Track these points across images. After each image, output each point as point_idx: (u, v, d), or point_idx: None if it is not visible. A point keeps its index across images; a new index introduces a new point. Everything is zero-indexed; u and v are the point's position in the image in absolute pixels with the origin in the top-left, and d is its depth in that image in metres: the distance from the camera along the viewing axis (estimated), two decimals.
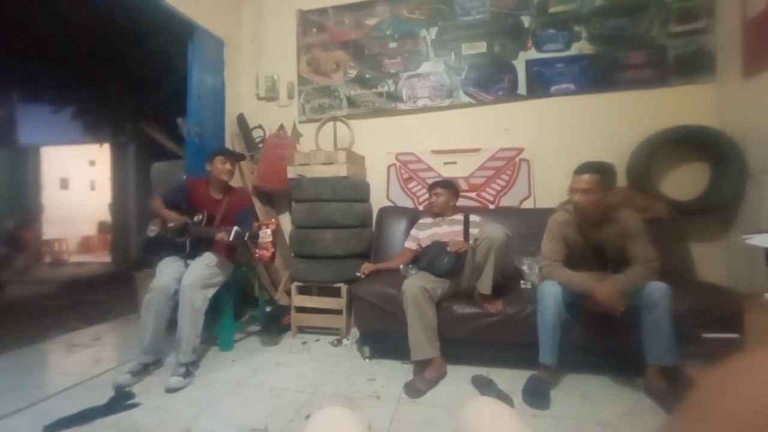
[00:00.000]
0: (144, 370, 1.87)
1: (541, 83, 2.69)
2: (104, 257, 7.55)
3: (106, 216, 7.43)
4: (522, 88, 2.72)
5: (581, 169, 1.69)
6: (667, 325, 1.55)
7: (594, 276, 1.70)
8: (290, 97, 3.17)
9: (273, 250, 1.88)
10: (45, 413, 1.52)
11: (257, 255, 1.90)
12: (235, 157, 2.27)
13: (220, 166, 2.15)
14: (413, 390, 1.69)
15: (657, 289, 1.58)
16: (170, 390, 1.72)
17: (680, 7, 2.47)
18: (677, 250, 2.19)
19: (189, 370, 1.84)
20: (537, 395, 1.60)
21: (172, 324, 1.90)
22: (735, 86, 2.28)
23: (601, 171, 1.67)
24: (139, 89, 4.21)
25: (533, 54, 2.70)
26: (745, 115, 2.21)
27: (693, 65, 2.45)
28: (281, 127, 3.11)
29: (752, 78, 2.15)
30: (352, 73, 3.02)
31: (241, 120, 3.14)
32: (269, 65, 3.22)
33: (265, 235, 1.87)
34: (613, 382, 1.76)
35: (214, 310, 2.11)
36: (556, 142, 2.63)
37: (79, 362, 2.12)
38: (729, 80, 2.34)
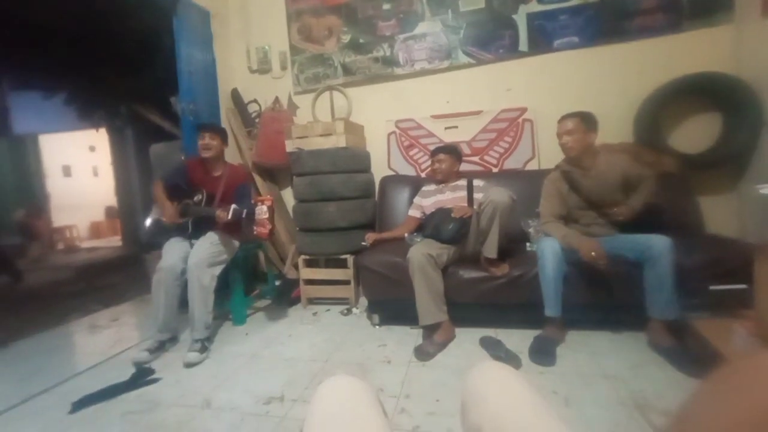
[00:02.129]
0: (161, 347, 1.94)
1: (543, 38, 2.56)
2: (115, 241, 7.68)
3: (112, 201, 7.47)
4: (523, 45, 2.60)
5: (563, 117, 1.85)
6: (669, 279, 1.56)
7: (597, 224, 1.86)
8: (283, 68, 3.07)
9: (270, 226, 1.88)
10: (72, 391, 1.60)
11: (255, 232, 1.90)
12: (209, 130, 2.15)
13: (200, 142, 2.12)
14: (423, 353, 1.73)
15: (659, 243, 1.58)
16: (188, 364, 1.78)
17: None
18: (685, 204, 2.15)
19: (204, 345, 1.90)
20: (543, 353, 1.65)
21: (184, 302, 1.95)
22: (754, 26, 2.15)
23: (581, 114, 1.82)
24: (129, 70, 4.10)
25: (534, 6, 2.56)
26: (764, 57, 2.09)
27: (709, 6, 2.30)
28: (276, 100, 3.03)
29: None
30: (346, 38, 2.90)
31: (236, 95, 3.06)
32: (259, 35, 3.10)
33: (261, 212, 1.87)
34: (618, 337, 1.78)
35: (224, 286, 2.15)
36: (561, 100, 2.53)
37: (100, 342, 2.20)
38: (748, 20, 2.20)
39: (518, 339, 1.81)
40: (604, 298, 1.78)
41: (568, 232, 1.78)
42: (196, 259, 1.92)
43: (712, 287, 1.59)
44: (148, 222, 2.13)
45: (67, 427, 1.39)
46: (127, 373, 1.73)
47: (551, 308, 1.73)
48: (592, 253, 1.62)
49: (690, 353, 1.50)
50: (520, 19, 2.58)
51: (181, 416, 1.40)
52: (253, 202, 1.95)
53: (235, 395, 1.52)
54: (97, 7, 3.21)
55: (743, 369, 0.26)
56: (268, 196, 1.95)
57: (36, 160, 8.28)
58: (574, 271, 1.76)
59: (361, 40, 2.87)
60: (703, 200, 2.23)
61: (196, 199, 2.09)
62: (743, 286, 1.52)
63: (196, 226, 2.07)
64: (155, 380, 1.67)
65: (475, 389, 0.56)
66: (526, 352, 1.69)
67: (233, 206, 1.89)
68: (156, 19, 2.89)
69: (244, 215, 1.90)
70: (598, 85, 2.50)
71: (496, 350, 1.72)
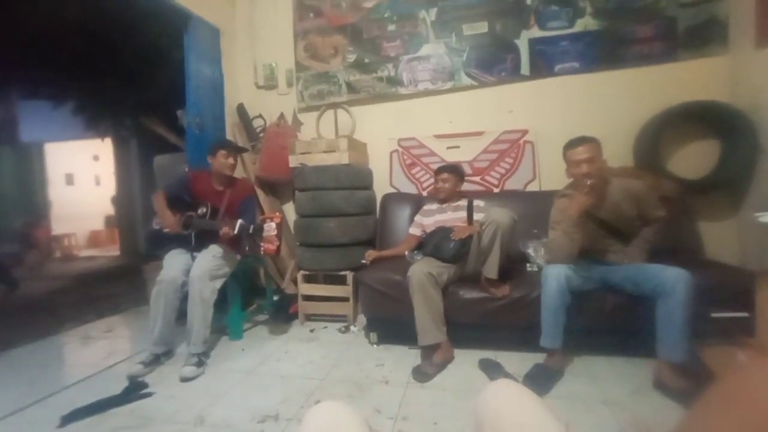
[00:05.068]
0: (155, 360, 1.91)
1: (544, 62, 2.62)
2: (113, 251, 7.64)
3: (112, 210, 7.50)
4: (525, 68, 2.66)
5: (575, 143, 1.69)
6: (680, 317, 1.44)
7: (613, 251, 1.76)
8: (289, 84, 3.13)
9: (278, 243, 1.89)
10: (62, 403, 1.57)
11: (263, 249, 1.91)
12: (237, 151, 2.25)
13: (222, 160, 2.12)
14: (421, 374, 1.71)
15: (673, 276, 1.47)
16: (184, 379, 1.75)
17: None
18: (685, 229, 2.16)
19: (201, 359, 1.88)
20: (536, 382, 1.57)
21: (181, 315, 1.93)
22: (748, 57, 2.20)
23: (594, 139, 1.69)
24: (137, 82, 4.18)
25: (536, 32, 2.63)
26: (758, 87, 2.14)
27: (704, 36, 2.36)
28: (281, 115, 3.08)
29: (766, 48, 2.07)
30: (351, 57, 2.96)
31: (241, 110, 3.11)
32: (266, 53, 3.17)
33: (270, 228, 1.88)
34: (619, 362, 1.76)
35: (222, 300, 2.14)
36: (561, 123, 2.57)
37: (94, 354, 2.17)
38: (742, 51, 2.26)
39: (518, 362, 1.78)
40: (605, 323, 1.76)
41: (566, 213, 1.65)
42: (199, 271, 1.92)
43: (714, 315, 1.57)
44: (149, 232, 2.14)
45: None
46: (119, 386, 1.70)
47: (548, 339, 1.67)
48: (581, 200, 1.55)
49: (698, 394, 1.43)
50: (522, 43, 2.65)
51: None
52: (261, 218, 1.97)
53: (230, 412, 1.49)
54: (111, 22, 3.30)
55: (742, 380, 0.26)
56: (278, 213, 1.97)
57: (40, 167, 8.35)
58: (577, 300, 1.69)
59: (365, 60, 2.94)
60: (703, 225, 2.24)
61: (200, 212, 2.10)
62: (745, 314, 1.51)
63: (198, 239, 2.07)
64: (149, 394, 1.64)
65: (491, 408, 0.55)
66: (524, 376, 1.66)
67: (240, 221, 1.90)
68: (167, 35, 2.97)
69: (251, 230, 1.90)
70: (598, 110, 2.54)
71: (495, 373, 1.69)
